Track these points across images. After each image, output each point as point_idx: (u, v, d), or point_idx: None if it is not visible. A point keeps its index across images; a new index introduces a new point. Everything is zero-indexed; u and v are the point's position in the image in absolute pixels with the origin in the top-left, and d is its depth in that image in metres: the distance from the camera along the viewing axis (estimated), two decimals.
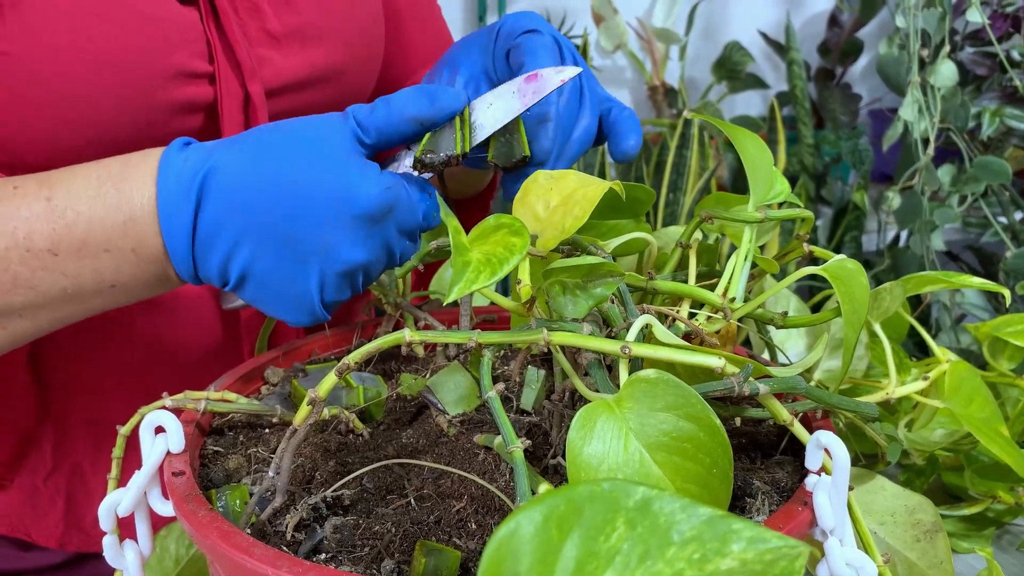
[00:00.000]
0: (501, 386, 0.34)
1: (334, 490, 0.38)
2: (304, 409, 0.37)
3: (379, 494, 0.40)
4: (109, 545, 0.42)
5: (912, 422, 0.64)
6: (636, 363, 0.37)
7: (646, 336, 0.37)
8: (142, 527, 0.42)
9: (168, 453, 0.41)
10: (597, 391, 0.35)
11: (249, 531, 0.37)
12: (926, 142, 1.16)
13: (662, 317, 0.42)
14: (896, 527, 0.43)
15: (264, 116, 0.58)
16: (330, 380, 0.36)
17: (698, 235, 0.51)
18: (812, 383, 0.63)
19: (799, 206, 0.51)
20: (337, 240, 0.43)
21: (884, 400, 0.57)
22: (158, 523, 0.46)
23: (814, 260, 0.52)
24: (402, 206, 0.44)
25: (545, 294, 0.36)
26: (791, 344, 0.67)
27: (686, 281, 0.47)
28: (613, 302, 0.38)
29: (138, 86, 0.53)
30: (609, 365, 0.37)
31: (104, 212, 0.43)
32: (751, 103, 1.93)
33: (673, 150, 1.22)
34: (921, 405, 0.63)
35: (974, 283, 0.62)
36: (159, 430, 0.41)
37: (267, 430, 0.47)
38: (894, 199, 1.26)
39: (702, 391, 0.34)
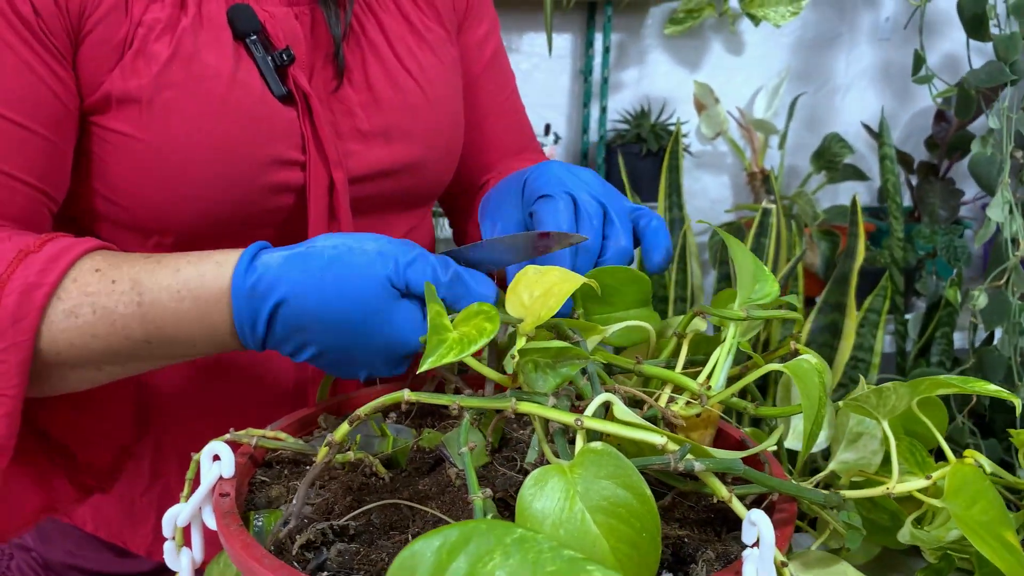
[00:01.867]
0: (474, 444, 0.41)
1: (343, 520, 0.45)
2: (323, 450, 0.45)
3: (383, 528, 0.47)
4: (169, 550, 0.51)
5: (923, 519, 0.65)
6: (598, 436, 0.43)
7: (608, 413, 0.44)
8: (196, 537, 0.51)
9: (220, 477, 0.50)
10: (558, 456, 0.41)
11: (272, 548, 0.45)
12: (1015, 242, 1.16)
13: (643, 396, 0.48)
14: None
15: (346, 199, 0.68)
16: (343, 428, 0.44)
17: (702, 326, 0.57)
18: (827, 472, 0.67)
19: (794, 307, 0.55)
20: (385, 368, 0.54)
21: (884, 495, 0.60)
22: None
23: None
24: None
25: (521, 370, 0.43)
26: None
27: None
28: (588, 381, 0.45)
29: (242, 171, 0.64)
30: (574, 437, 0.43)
31: (188, 324, 0.55)
32: (849, 194, 1.94)
33: (751, 238, 1.26)
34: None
35: (988, 390, 0.65)
36: (216, 458, 0.50)
37: (308, 467, 0.55)
38: (980, 297, 1.25)
39: (641, 464, 0.40)
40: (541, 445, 0.43)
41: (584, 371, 0.43)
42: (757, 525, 0.40)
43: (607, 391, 0.44)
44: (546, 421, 0.43)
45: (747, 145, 1.77)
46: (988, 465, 0.72)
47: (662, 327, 0.61)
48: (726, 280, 1.41)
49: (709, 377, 0.50)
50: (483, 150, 0.85)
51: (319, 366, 0.55)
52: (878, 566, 0.80)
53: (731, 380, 0.59)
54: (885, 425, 0.63)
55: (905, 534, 0.62)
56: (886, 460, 0.71)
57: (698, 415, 0.50)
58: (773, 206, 1.20)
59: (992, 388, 0.64)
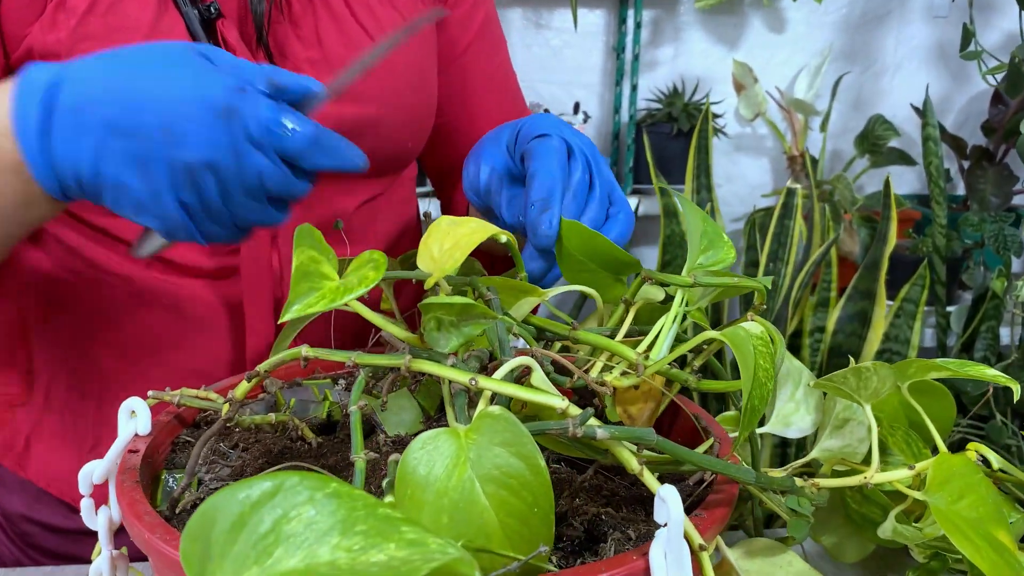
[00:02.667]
0: (363, 403, 0.38)
1: (230, 476, 0.43)
2: (225, 407, 0.43)
3: None
4: (86, 507, 0.49)
5: (920, 516, 0.60)
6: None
7: (522, 378, 0.40)
8: (112, 494, 0.49)
9: (135, 435, 0.48)
10: (458, 420, 0.38)
11: (166, 506, 0.43)
12: None
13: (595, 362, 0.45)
14: None
15: None
16: (243, 386, 0.42)
17: (659, 295, 0.53)
18: (806, 459, 0.62)
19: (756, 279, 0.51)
20: (179, 128, 0.44)
21: (861, 485, 0.56)
22: None
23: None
24: (250, 110, 0.45)
25: (424, 328, 0.40)
26: (798, 417, 0.65)
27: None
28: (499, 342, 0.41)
29: None
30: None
31: None
32: (904, 179, 1.85)
33: (775, 220, 1.20)
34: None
35: (986, 374, 0.59)
36: (134, 414, 0.48)
37: (238, 429, 0.53)
38: (1023, 289, 1.17)
39: (538, 428, 0.36)
40: (447, 408, 0.39)
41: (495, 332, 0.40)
42: (666, 502, 0.36)
43: (528, 355, 0.41)
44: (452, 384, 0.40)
45: (788, 127, 1.69)
46: (996, 460, 0.66)
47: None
48: (754, 267, 1.35)
49: (650, 348, 0.46)
50: (473, 123, 0.81)
51: (110, 193, 0.47)
52: (873, 565, 0.74)
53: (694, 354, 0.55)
54: (868, 410, 0.58)
55: (887, 529, 0.57)
56: (881, 449, 0.66)
57: (636, 387, 0.47)
58: (798, 186, 1.14)
59: (991, 372, 0.59)
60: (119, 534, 0.52)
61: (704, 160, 1.41)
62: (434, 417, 0.52)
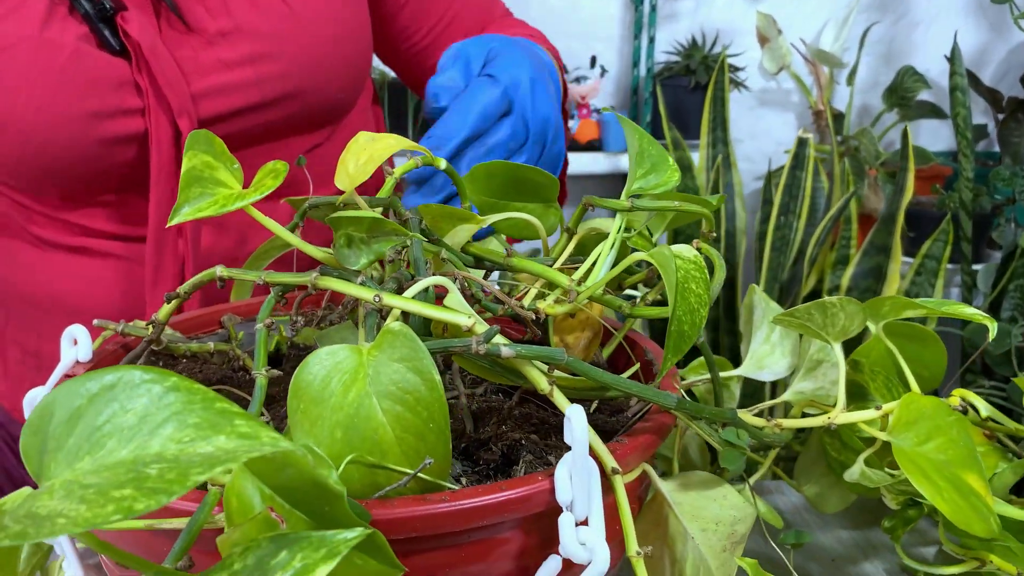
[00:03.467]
0: (270, 321, 0.38)
1: None
2: (149, 329, 0.42)
3: None
4: None
5: (884, 459, 0.58)
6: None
7: (437, 298, 0.39)
8: None
9: (76, 361, 0.48)
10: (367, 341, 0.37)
11: None
12: None
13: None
14: (715, 535, 0.41)
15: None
16: (166, 308, 0.41)
17: (610, 224, 0.51)
18: (776, 401, 0.60)
19: (708, 205, 0.49)
20: None
21: (825, 425, 0.54)
22: None
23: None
24: None
25: (334, 244, 0.39)
26: (772, 360, 0.63)
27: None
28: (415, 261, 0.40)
29: (68, 130, 0.63)
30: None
31: None
32: (939, 135, 1.78)
33: (786, 171, 1.17)
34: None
35: (964, 313, 0.56)
36: (76, 342, 0.48)
37: (184, 360, 0.53)
38: None
39: (440, 346, 0.35)
40: (360, 329, 0.39)
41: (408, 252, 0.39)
42: (571, 421, 0.35)
43: (445, 276, 0.40)
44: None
45: (814, 81, 1.64)
46: (985, 408, 0.64)
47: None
48: (767, 223, 1.31)
49: (587, 274, 0.44)
50: (439, 39, 0.81)
51: None
52: (861, 519, 0.73)
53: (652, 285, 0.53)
54: (837, 348, 0.56)
55: (855, 472, 0.55)
56: (860, 395, 0.64)
57: (573, 316, 0.45)
58: (809, 136, 1.10)
59: (968, 311, 0.56)
60: None
61: (720, 112, 1.37)
62: None
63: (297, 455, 0.25)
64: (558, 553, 0.36)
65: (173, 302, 0.42)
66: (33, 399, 0.48)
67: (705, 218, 0.48)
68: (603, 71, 1.59)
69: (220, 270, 0.40)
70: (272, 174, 0.36)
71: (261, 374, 0.36)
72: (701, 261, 0.41)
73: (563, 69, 0.81)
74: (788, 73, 1.63)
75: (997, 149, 1.70)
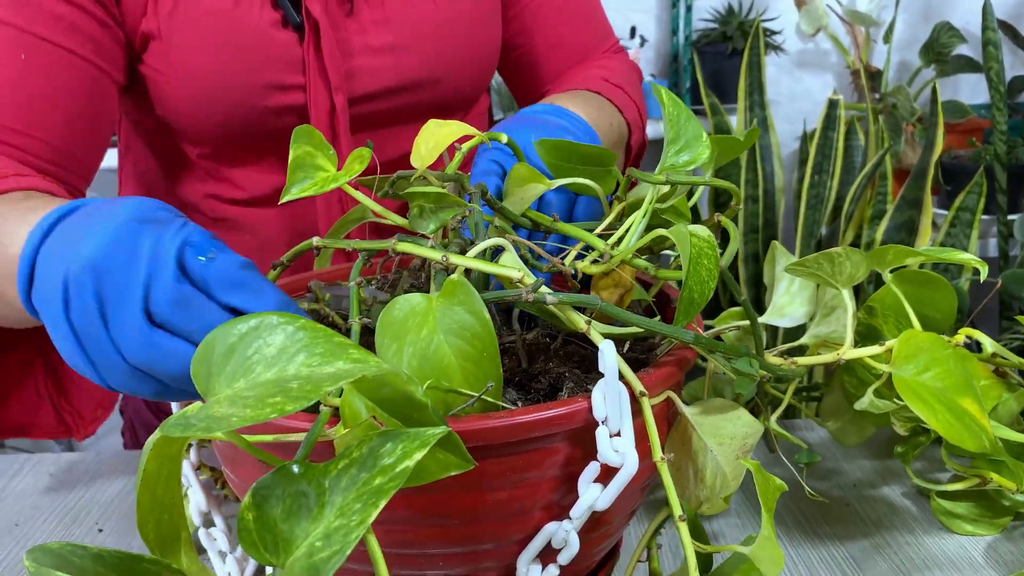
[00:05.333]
0: (361, 279, 0.47)
1: None
2: None
3: None
4: None
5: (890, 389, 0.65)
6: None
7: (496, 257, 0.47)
8: None
9: None
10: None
11: None
12: None
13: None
14: (729, 448, 0.48)
15: (346, 120, 0.75)
16: (272, 274, 0.51)
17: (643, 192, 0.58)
18: (794, 344, 0.68)
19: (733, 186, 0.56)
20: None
21: (835, 360, 0.61)
22: None
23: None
24: (173, 229, 0.43)
25: (409, 214, 0.47)
26: (792, 309, 0.70)
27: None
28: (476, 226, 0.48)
29: (242, 96, 0.73)
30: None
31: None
32: (978, 88, 1.79)
33: (818, 132, 1.22)
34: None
35: (959, 258, 0.63)
36: None
37: None
38: None
39: (495, 296, 0.44)
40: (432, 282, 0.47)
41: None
42: (604, 353, 0.43)
43: (504, 240, 0.48)
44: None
45: (851, 41, 1.67)
46: (990, 345, 0.70)
47: None
48: (803, 182, 1.36)
49: (621, 239, 0.52)
50: (550, 51, 0.88)
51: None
52: (879, 450, 0.79)
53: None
54: (845, 293, 0.63)
55: (864, 402, 0.62)
56: (874, 336, 0.71)
57: (607, 275, 0.53)
58: (840, 97, 1.15)
59: (963, 256, 0.63)
60: None
61: (757, 77, 1.42)
62: None
63: (394, 374, 0.34)
64: (597, 460, 0.44)
65: (278, 269, 0.51)
66: None
67: (733, 192, 0.55)
68: (643, 41, 1.64)
69: (316, 240, 0.49)
70: (359, 159, 0.44)
71: (355, 322, 0.45)
72: (713, 240, 0.48)
73: (642, 114, 0.86)
74: (825, 34, 1.66)
75: None
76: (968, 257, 0.62)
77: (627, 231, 0.53)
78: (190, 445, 0.63)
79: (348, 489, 0.31)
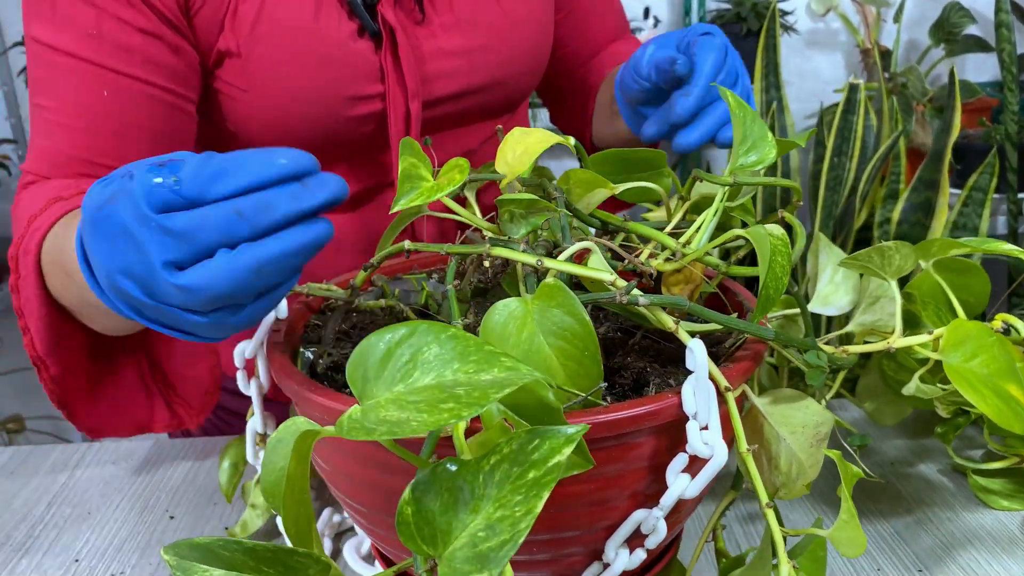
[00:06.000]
0: (457, 282, 0.49)
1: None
2: (347, 292, 0.54)
3: None
4: (240, 378, 0.62)
5: (936, 376, 0.68)
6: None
7: (584, 259, 0.50)
8: (262, 367, 0.62)
9: (276, 318, 0.60)
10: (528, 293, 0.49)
11: (306, 370, 0.55)
12: None
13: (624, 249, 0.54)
14: (803, 436, 0.51)
15: (418, 126, 0.77)
16: (360, 274, 0.53)
17: (715, 189, 0.60)
18: (841, 332, 0.71)
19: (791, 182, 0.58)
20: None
21: (885, 349, 0.64)
22: None
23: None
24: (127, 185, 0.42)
25: (499, 219, 0.50)
26: (836, 298, 0.73)
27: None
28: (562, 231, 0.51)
29: (327, 110, 0.75)
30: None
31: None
32: (985, 66, 1.82)
33: (839, 115, 1.24)
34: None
35: (1003, 248, 0.66)
36: None
37: (355, 314, 0.65)
38: None
39: (591, 298, 0.46)
40: (519, 284, 0.50)
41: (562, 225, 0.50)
42: (694, 351, 0.46)
43: (591, 243, 0.51)
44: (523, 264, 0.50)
45: (861, 20, 1.69)
46: (1023, 328, 0.74)
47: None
48: (822, 161, 1.39)
49: (691, 238, 0.55)
50: (584, 38, 0.92)
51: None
52: (913, 429, 0.83)
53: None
54: (893, 284, 0.66)
55: (911, 387, 0.65)
56: (913, 322, 0.74)
57: (679, 271, 0.56)
58: (860, 81, 1.17)
59: (1007, 247, 0.65)
60: (267, 403, 0.65)
61: (772, 59, 1.44)
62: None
63: (539, 381, 0.36)
64: (685, 451, 0.47)
65: (368, 270, 0.53)
66: (242, 351, 0.61)
67: (795, 190, 0.58)
68: (656, 21, 1.65)
69: (408, 244, 0.51)
70: (458, 169, 0.47)
71: (457, 324, 0.47)
72: (786, 237, 0.51)
73: None
74: (835, 13, 1.68)
75: None
76: (1011, 248, 0.65)
77: (698, 230, 0.55)
78: (267, 434, 0.65)
79: (503, 483, 0.34)
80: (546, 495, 0.33)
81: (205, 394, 0.75)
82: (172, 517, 0.74)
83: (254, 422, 0.64)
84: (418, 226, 0.83)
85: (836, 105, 1.68)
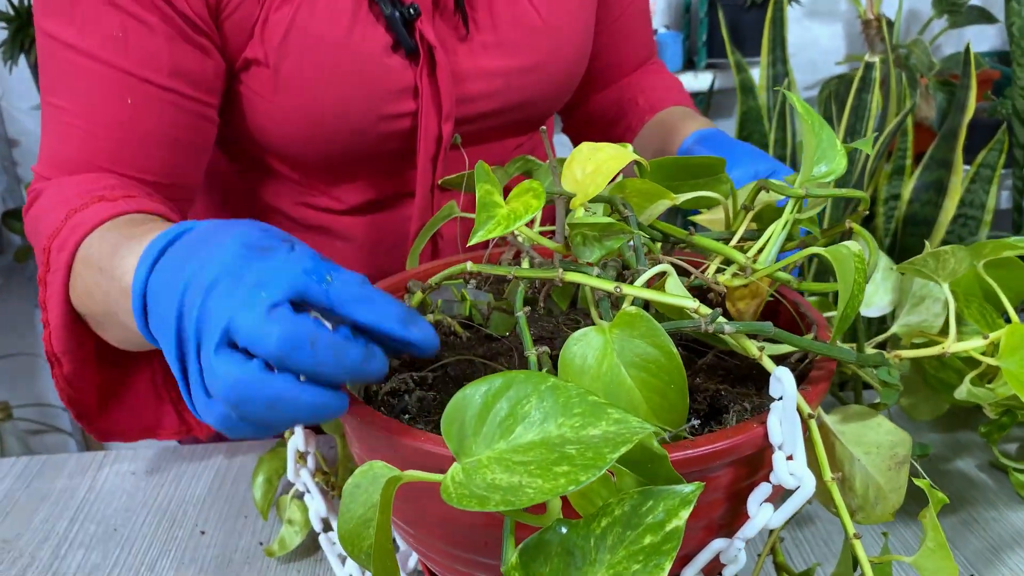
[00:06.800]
0: (528, 309, 0.47)
1: (423, 372, 0.52)
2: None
3: (457, 380, 0.54)
4: None
5: (988, 378, 0.67)
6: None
7: (660, 283, 0.48)
8: None
9: None
10: (602, 319, 0.46)
11: (361, 395, 0.52)
12: None
13: (692, 265, 0.52)
14: (878, 457, 0.50)
15: (446, 147, 0.74)
16: (418, 296, 0.50)
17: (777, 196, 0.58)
18: (888, 334, 0.69)
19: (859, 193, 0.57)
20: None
21: (940, 354, 0.63)
22: None
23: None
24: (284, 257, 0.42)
25: (571, 242, 0.47)
26: (878, 298, 0.72)
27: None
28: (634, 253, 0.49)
29: (357, 126, 0.71)
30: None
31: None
32: (984, 35, 1.80)
33: (853, 93, 1.22)
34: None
35: None
36: None
37: None
38: None
39: (675, 327, 0.44)
40: (590, 310, 0.48)
41: (631, 244, 0.47)
42: (781, 380, 0.44)
43: (657, 262, 0.48)
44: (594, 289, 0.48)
45: None
46: None
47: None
48: None
49: (760, 251, 0.53)
50: (611, 63, 0.90)
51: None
52: (947, 423, 0.82)
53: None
54: (946, 287, 0.64)
55: (963, 391, 0.64)
56: (956, 320, 0.73)
57: (745, 286, 0.54)
58: (876, 59, 1.15)
59: None
60: None
61: (779, 33, 1.41)
62: (566, 312, 0.61)
63: (650, 437, 0.34)
64: (768, 481, 0.46)
65: (426, 291, 0.51)
66: None
67: (863, 200, 0.56)
68: None
69: (470, 265, 0.48)
70: (532, 193, 0.44)
71: (532, 353, 0.45)
72: (862, 254, 0.49)
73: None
74: None
75: None
76: None
77: (766, 243, 0.53)
78: (307, 452, 0.63)
79: (616, 548, 0.32)
80: (668, 566, 0.31)
81: None
82: (203, 532, 0.71)
83: (296, 440, 0.62)
84: (444, 226, 0.80)
85: (837, 77, 1.66)
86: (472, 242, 0.42)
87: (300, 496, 0.68)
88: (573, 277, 0.46)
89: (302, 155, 0.73)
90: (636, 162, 0.55)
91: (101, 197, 0.61)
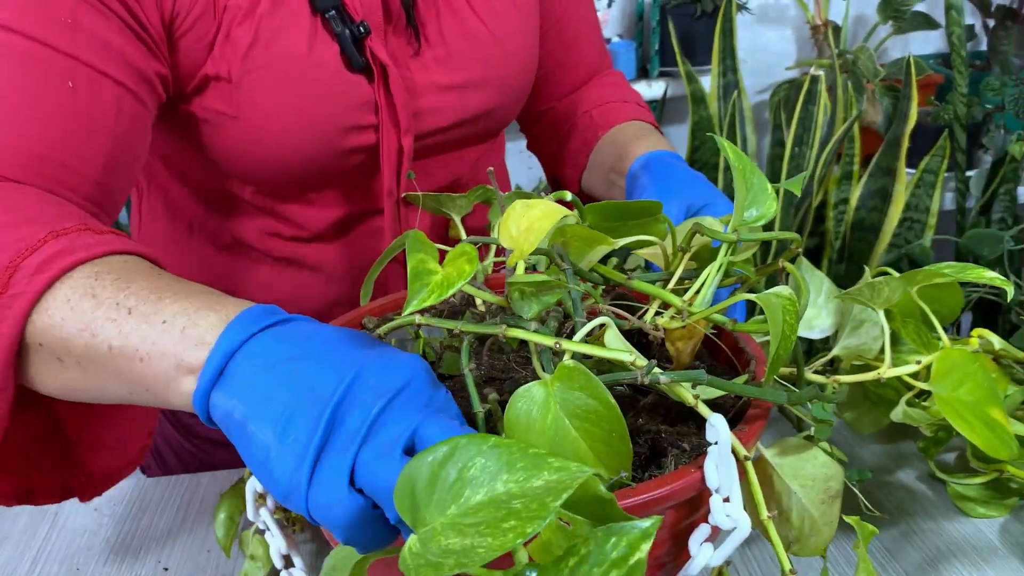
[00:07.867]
0: (472, 365, 0.48)
1: None
2: None
3: None
4: None
5: (921, 396, 0.70)
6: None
7: (598, 334, 0.50)
8: None
9: None
10: (544, 371, 0.48)
11: None
12: None
13: (631, 310, 0.54)
14: (812, 490, 0.53)
15: (409, 160, 0.76)
16: (383, 329, 0.52)
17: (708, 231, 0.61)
18: (828, 357, 0.72)
19: (790, 232, 0.59)
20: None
21: (876, 379, 0.65)
22: None
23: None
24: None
25: (509, 298, 0.49)
26: (820, 321, 0.75)
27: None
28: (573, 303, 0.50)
29: (321, 140, 0.72)
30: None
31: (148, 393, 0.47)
32: (928, 39, 1.85)
33: (800, 105, 1.25)
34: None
35: (984, 276, 0.67)
36: None
37: None
38: None
39: (612, 380, 0.46)
40: (534, 363, 0.49)
41: (572, 295, 0.49)
42: (716, 427, 0.46)
43: (596, 312, 0.50)
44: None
45: None
46: (997, 342, 0.76)
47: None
48: (780, 145, 1.41)
49: (697, 293, 0.55)
50: (565, 74, 0.91)
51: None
52: (889, 434, 0.86)
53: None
54: (881, 315, 0.67)
55: (898, 413, 0.67)
56: (894, 340, 0.76)
57: (684, 326, 0.56)
58: (822, 72, 1.18)
59: (988, 275, 0.67)
60: None
61: (729, 43, 1.44)
62: (516, 349, 0.62)
63: (592, 478, 0.36)
64: (706, 522, 0.48)
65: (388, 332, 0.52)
66: None
67: (795, 240, 0.58)
68: (610, 1, 1.63)
69: (419, 318, 0.50)
70: (466, 258, 0.46)
71: (479, 411, 0.47)
72: (794, 297, 0.51)
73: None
74: None
75: (984, 48, 1.77)
76: (992, 275, 0.66)
77: (702, 286, 0.55)
78: (267, 492, 0.64)
79: None
80: None
81: (119, 468, 0.64)
82: (166, 569, 0.72)
83: (254, 481, 0.63)
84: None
85: (787, 83, 1.69)
86: (406, 312, 0.43)
87: (262, 532, 0.69)
88: (515, 333, 0.47)
89: (267, 173, 0.73)
90: (576, 204, 0.57)
91: (85, 226, 0.52)
